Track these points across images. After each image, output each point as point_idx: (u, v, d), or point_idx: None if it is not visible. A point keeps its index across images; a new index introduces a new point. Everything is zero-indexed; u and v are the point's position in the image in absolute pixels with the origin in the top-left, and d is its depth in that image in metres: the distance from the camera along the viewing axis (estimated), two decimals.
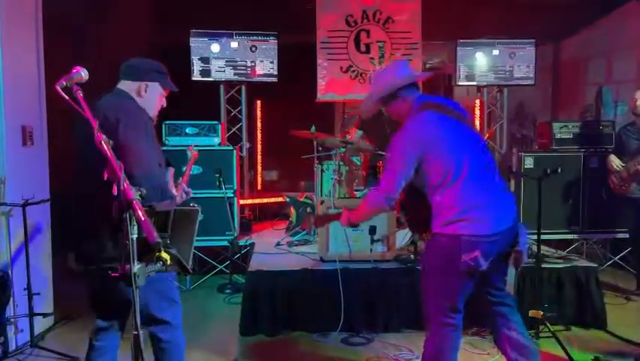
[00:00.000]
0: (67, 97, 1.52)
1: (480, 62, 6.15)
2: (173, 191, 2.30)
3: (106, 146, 1.36)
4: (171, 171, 2.42)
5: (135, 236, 1.25)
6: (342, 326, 3.69)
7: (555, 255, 4.31)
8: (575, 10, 6.52)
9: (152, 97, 2.32)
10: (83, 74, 1.63)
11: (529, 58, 6.09)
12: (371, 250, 3.96)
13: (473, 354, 3.47)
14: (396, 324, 3.83)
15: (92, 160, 1.62)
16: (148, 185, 1.72)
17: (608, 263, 5.37)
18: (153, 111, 2.38)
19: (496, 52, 6.10)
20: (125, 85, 2.31)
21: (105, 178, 1.28)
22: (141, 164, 1.98)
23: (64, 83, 1.57)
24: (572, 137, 5.44)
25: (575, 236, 5.38)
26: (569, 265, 4.02)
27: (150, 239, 1.18)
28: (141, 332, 1.31)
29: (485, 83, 6.25)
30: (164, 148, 4.58)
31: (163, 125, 4.97)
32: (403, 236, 4.39)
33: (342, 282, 3.69)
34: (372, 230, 3.95)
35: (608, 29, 6.48)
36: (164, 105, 2.43)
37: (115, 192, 1.24)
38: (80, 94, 1.54)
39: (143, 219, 1.21)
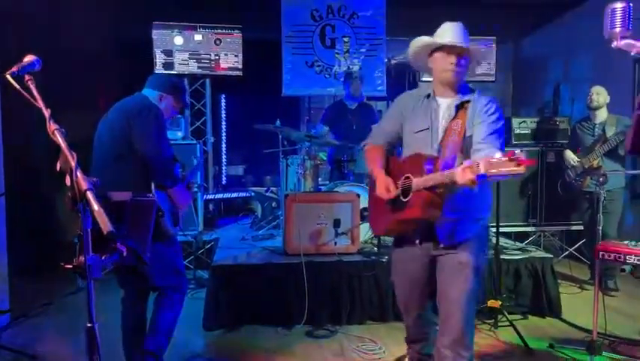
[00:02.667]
0: (18, 86, 1.48)
1: None
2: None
3: (59, 135, 1.33)
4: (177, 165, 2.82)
5: (89, 227, 1.23)
6: (306, 319, 3.71)
7: (513, 247, 4.43)
8: (535, 9, 6.69)
9: (166, 107, 2.82)
10: (36, 63, 1.59)
11: (489, 55, 6.23)
12: (335, 243, 3.99)
13: None
14: (359, 316, 3.88)
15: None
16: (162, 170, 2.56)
17: (564, 254, 5.56)
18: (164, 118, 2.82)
19: None
20: (149, 92, 2.81)
21: (58, 169, 1.25)
22: (159, 151, 2.55)
23: (16, 71, 1.53)
24: (530, 132, 5.61)
25: (533, 229, 5.55)
26: (526, 257, 4.15)
27: (104, 230, 1.17)
28: (96, 324, 1.29)
29: None
30: None
31: None
32: (366, 229, 4.43)
33: (307, 275, 3.71)
34: (337, 223, 3.99)
35: (566, 28, 6.68)
36: (176, 116, 2.93)
37: (68, 182, 1.22)
38: (32, 83, 1.50)
39: (96, 209, 1.19)
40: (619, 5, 1.44)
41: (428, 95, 2.36)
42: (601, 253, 2.85)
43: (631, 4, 1.42)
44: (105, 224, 1.17)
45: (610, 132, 4.58)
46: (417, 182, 2.14)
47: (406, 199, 2.21)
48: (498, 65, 6.26)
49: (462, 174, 1.82)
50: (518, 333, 3.48)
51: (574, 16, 6.46)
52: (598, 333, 3.03)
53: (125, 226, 1.36)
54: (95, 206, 1.20)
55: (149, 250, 1.48)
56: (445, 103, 2.32)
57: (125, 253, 1.33)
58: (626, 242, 2.84)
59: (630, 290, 4.63)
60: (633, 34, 1.42)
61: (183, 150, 4.93)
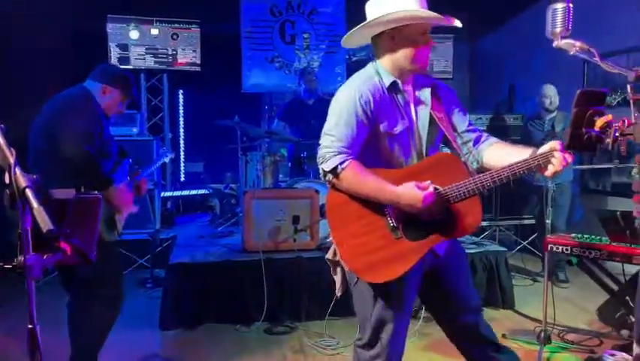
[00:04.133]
0: None
1: None
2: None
3: None
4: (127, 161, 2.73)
5: (29, 226, 1.19)
6: (265, 316, 3.69)
7: (469, 241, 4.54)
8: (492, 8, 6.84)
9: (111, 101, 2.63)
10: None
11: (447, 53, 6.34)
12: (295, 239, 3.99)
13: None
14: (319, 312, 3.88)
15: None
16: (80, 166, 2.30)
17: (518, 248, 5.72)
18: (109, 112, 2.67)
19: None
20: (90, 83, 2.62)
21: None
22: (78, 147, 2.33)
23: None
24: (485, 129, 5.72)
25: (488, 223, 5.69)
26: (481, 250, 4.25)
27: (43, 229, 1.13)
28: (37, 326, 1.24)
29: None
30: None
31: None
32: (326, 225, 4.44)
33: (266, 272, 3.70)
34: (296, 220, 3.99)
35: (522, 27, 6.86)
36: (123, 111, 2.76)
37: (7, 180, 1.17)
38: None
39: (36, 207, 1.15)
40: (560, 6, 1.49)
41: (392, 87, 1.89)
42: (550, 245, 2.94)
43: (571, 5, 1.47)
44: (45, 222, 1.13)
45: (558, 128, 4.74)
46: (466, 185, 1.77)
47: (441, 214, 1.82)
48: (455, 63, 6.39)
49: (563, 159, 1.53)
50: None
51: (530, 14, 6.64)
52: (548, 323, 3.14)
53: (69, 223, 1.31)
54: (35, 204, 1.16)
55: (95, 249, 1.44)
56: (412, 92, 1.95)
57: (69, 252, 1.29)
58: (573, 235, 2.94)
59: (580, 281, 4.81)
60: (573, 34, 1.47)
61: (139, 146, 4.84)
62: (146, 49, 5.58)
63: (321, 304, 3.88)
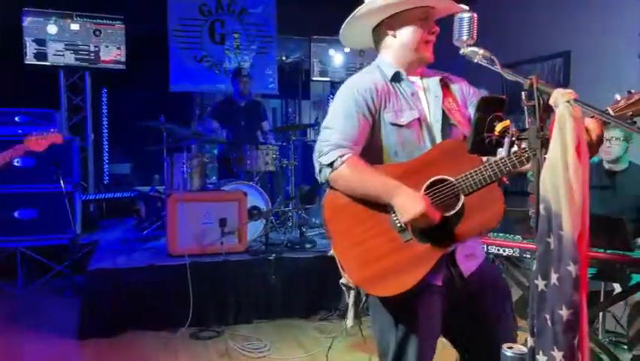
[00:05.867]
0: None
1: (333, 58, 6.40)
2: None
3: None
4: None
5: None
6: (191, 321, 3.61)
7: None
8: None
9: None
10: None
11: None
12: (222, 242, 3.93)
13: (321, 338, 3.59)
14: (246, 315, 3.86)
15: None
16: None
17: None
18: None
19: (347, 49, 6.39)
20: None
21: None
22: None
23: None
24: None
25: None
26: None
27: None
28: None
29: (338, 80, 6.51)
30: None
31: None
32: (256, 228, 4.42)
33: (191, 276, 3.62)
34: (223, 223, 3.93)
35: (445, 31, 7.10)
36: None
37: None
38: None
39: None
40: (466, 15, 1.54)
41: (395, 77, 1.72)
42: None
43: (475, 14, 1.53)
44: None
45: None
46: (482, 171, 1.52)
47: (454, 211, 1.55)
48: None
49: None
50: None
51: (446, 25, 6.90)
52: None
53: None
54: None
55: None
56: (421, 83, 1.77)
57: None
58: (490, 234, 3.06)
59: None
60: (477, 42, 1.53)
61: (57, 146, 4.57)
62: (66, 45, 5.33)
63: (248, 308, 3.86)
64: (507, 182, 1.56)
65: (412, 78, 1.75)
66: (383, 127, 1.67)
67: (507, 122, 1.36)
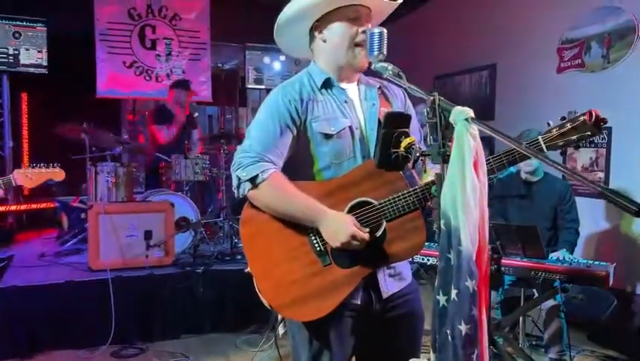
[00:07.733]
0: None
1: (268, 66, 6.36)
2: None
3: None
4: None
5: None
6: (112, 339, 3.44)
7: None
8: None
9: None
10: None
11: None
12: (147, 256, 3.79)
13: (250, 351, 3.52)
14: (174, 331, 3.73)
15: None
16: None
17: None
18: None
19: (282, 57, 6.37)
20: None
21: None
22: None
23: None
24: None
25: None
26: None
27: None
28: None
29: (274, 87, 6.46)
30: None
31: None
32: (185, 239, 4.29)
33: (114, 292, 3.46)
34: (148, 235, 3.79)
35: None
36: None
37: None
38: None
39: None
40: (377, 30, 1.55)
41: (326, 83, 1.64)
42: None
43: (385, 30, 1.54)
44: None
45: None
46: (405, 197, 1.50)
47: (377, 235, 1.51)
48: None
49: None
50: None
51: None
52: None
53: None
54: None
55: None
56: (356, 90, 1.68)
57: None
58: None
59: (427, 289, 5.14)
60: (387, 57, 1.54)
61: None
62: None
63: (175, 323, 3.74)
64: (432, 206, 1.48)
65: (345, 85, 1.67)
66: (312, 137, 1.58)
67: (412, 138, 1.38)
